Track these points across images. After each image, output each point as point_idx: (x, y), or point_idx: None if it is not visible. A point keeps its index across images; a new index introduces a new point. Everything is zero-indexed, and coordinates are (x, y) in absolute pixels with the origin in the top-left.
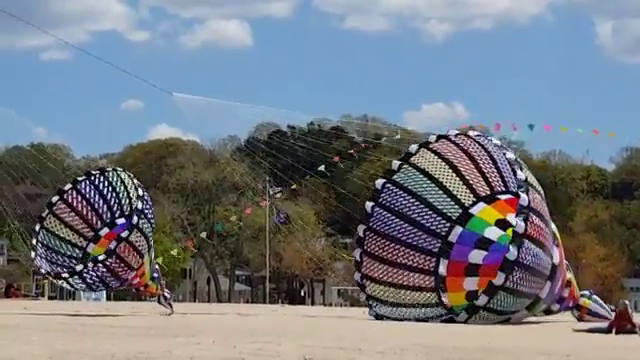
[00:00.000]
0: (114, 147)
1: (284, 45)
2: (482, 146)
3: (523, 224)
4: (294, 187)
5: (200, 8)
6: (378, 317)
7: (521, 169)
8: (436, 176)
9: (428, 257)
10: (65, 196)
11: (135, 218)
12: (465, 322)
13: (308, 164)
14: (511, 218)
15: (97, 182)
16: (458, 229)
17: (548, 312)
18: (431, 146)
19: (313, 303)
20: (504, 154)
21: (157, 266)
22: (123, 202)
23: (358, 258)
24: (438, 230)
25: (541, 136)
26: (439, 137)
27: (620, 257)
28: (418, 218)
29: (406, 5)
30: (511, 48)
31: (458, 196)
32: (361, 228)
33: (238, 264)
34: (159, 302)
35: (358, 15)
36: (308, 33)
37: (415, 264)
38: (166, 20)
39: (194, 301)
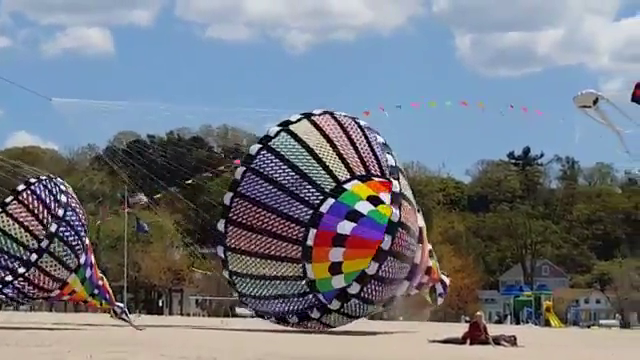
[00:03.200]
0: None
1: (146, 53)
2: (360, 127)
3: (398, 212)
4: (158, 196)
5: (61, 15)
6: (241, 296)
7: (391, 154)
8: (313, 148)
9: (297, 226)
10: (20, 196)
11: (54, 226)
12: (337, 311)
13: (167, 174)
14: (383, 196)
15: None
16: (330, 200)
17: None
18: (313, 118)
19: (171, 313)
20: (375, 137)
21: (102, 281)
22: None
23: (222, 228)
24: (311, 200)
25: (409, 115)
26: (323, 113)
27: (475, 269)
28: (291, 187)
29: (269, 14)
30: (373, 59)
31: (334, 171)
32: (228, 196)
33: None
34: (115, 315)
35: (221, 24)
36: (170, 42)
37: (284, 232)
38: (27, 26)
39: (50, 311)
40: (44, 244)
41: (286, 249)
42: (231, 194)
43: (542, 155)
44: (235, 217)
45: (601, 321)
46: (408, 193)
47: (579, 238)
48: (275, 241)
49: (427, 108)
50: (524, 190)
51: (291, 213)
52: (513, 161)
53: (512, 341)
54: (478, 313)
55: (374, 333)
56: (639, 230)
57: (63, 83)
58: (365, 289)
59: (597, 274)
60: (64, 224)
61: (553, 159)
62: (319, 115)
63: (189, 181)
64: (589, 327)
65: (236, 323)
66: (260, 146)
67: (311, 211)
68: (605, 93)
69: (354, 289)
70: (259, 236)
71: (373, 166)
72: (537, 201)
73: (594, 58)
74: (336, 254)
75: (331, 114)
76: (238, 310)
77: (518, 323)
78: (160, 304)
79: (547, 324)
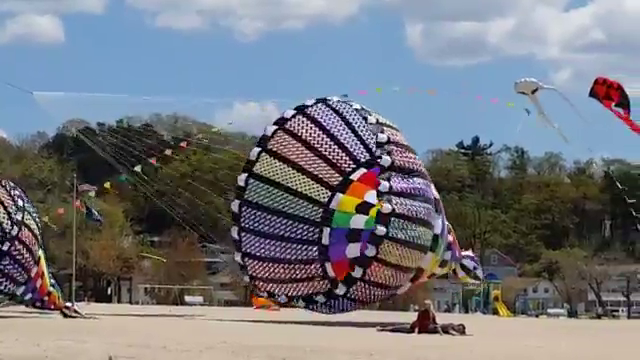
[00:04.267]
0: None
1: (96, 42)
2: (319, 124)
3: (389, 206)
4: (108, 185)
5: (12, 2)
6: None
7: (383, 131)
8: (284, 182)
9: (313, 266)
10: None
11: (20, 202)
12: (344, 295)
13: (117, 161)
14: (369, 196)
15: None
16: (326, 230)
17: (443, 264)
18: (269, 146)
19: (120, 301)
20: (365, 119)
21: (51, 274)
22: (4, 223)
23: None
24: (309, 237)
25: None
26: (275, 130)
27: None
28: (285, 233)
29: (220, 3)
30: (325, 48)
31: (313, 196)
32: (238, 256)
33: None
34: (65, 316)
35: (171, 12)
36: (121, 30)
37: (306, 275)
38: None
39: None
40: (19, 203)
41: (317, 286)
42: (240, 254)
43: (491, 145)
44: (251, 272)
45: (549, 310)
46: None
47: (528, 227)
48: (303, 284)
49: (375, 98)
50: (473, 179)
51: (301, 257)
52: (462, 150)
53: (461, 330)
54: (427, 302)
55: (326, 323)
56: (587, 220)
57: (12, 71)
58: (369, 272)
59: (545, 263)
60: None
61: (502, 149)
62: (271, 136)
63: (136, 167)
64: (537, 316)
65: (185, 311)
66: (239, 202)
67: (316, 247)
68: (553, 85)
69: (357, 273)
70: (285, 284)
71: (345, 162)
72: (486, 190)
73: (544, 48)
74: (358, 273)
75: (281, 126)
76: (187, 298)
77: (467, 312)
78: (109, 292)
79: (495, 313)
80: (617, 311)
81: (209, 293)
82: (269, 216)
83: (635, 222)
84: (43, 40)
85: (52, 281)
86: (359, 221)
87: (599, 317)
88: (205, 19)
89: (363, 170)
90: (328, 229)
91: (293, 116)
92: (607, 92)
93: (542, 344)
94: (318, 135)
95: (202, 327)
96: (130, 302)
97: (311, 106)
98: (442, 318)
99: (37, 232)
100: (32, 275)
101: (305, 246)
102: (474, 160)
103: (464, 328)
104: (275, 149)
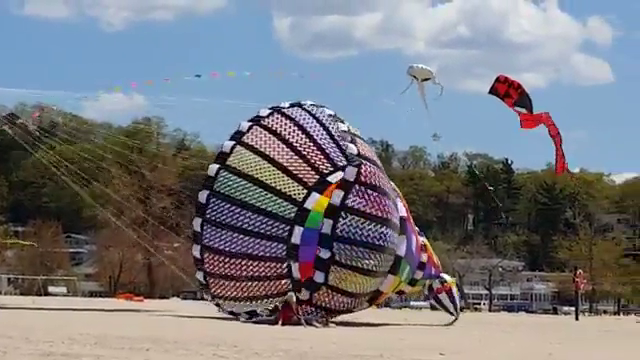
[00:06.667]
0: None
1: None
2: (297, 123)
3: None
4: None
5: None
6: (233, 314)
7: (354, 142)
8: (258, 176)
9: (279, 264)
10: None
11: None
12: (308, 299)
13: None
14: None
15: None
16: (299, 229)
17: (412, 282)
18: (244, 139)
19: None
20: (337, 127)
21: None
22: None
23: (202, 279)
24: (279, 234)
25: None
26: (250, 125)
27: None
28: (254, 229)
29: None
30: (192, 40)
31: (288, 192)
32: (196, 249)
33: None
34: None
35: (39, 1)
36: None
37: (267, 274)
38: None
39: None
40: None
41: (277, 285)
42: (199, 247)
43: None
44: (210, 269)
45: (412, 302)
46: (372, 156)
47: None
48: (262, 283)
49: (242, 92)
50: None
51: (267, 254)
52: None
53: (324, 322)
54: (290, 294)
55: (191, 315)
56: (450, 213)
57: None
58: (330, 277)
59: None
60: None
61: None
62: (248, 131)
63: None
64: (400, 309)
65: (48, 302)
66: (208, 192)
67: (284, 246)
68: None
69: (319, 277)
70: (244, 283)
71: (323, 163)
72: None
73: (410, 43)
74: (320, 276)
75: (257, 122)
76: (51, 289)
77: None
78: None
79: None
80: (479, 304)
81: (73, 284)
82: (237, 209)
83: (498, 217)
84: None
85: None
86: (328, 226)
87: (461, 310)
88: (72, 8)
89: (341, 173)
90: (301, 228)
91: (270, 114)
92: (507, 90)
93: (403, 336)
94: (297, 134)
95: (66, 319)
96: None
97: (287, 108)
98: None
99: None
100: None
101: (273, 242)
102: None
103: (327, 320)
104: (251, 143)
